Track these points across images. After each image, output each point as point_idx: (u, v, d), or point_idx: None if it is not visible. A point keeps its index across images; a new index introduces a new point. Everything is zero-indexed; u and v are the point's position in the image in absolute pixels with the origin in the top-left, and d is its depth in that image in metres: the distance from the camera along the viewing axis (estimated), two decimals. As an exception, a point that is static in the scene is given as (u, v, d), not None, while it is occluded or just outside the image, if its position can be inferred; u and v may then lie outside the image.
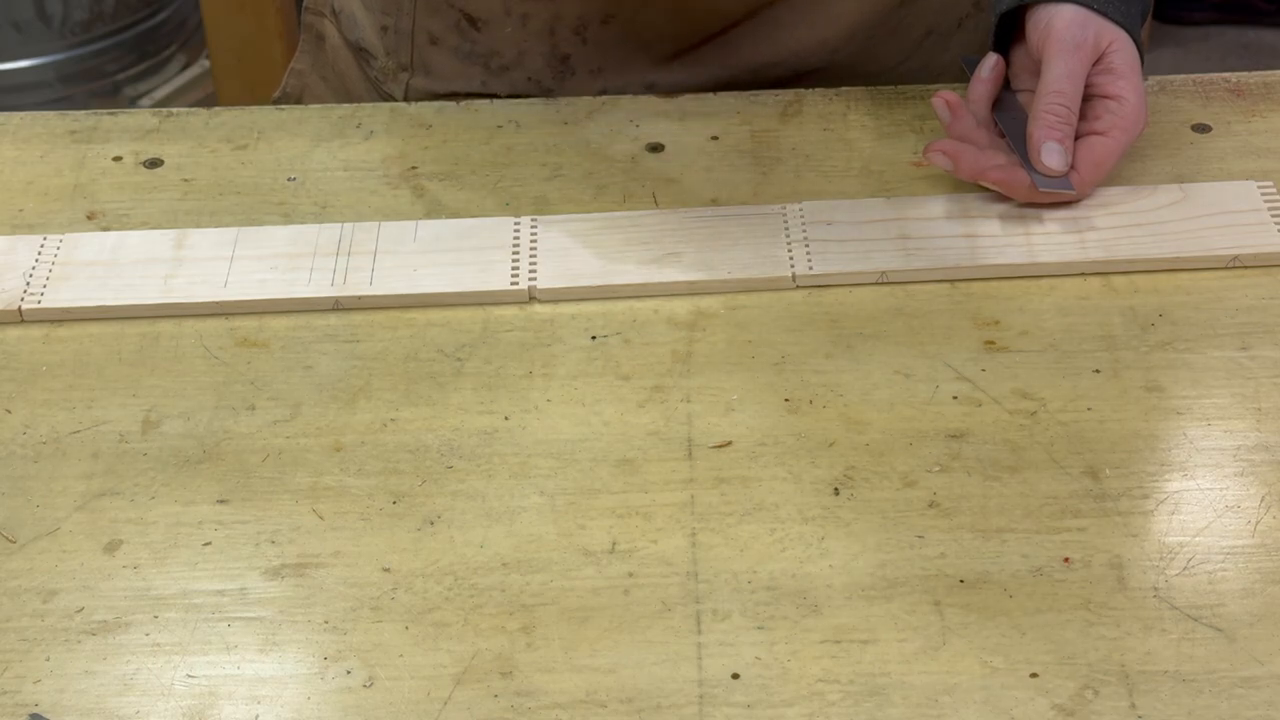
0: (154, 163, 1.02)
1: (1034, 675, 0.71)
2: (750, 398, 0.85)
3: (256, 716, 0.71)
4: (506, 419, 0.84)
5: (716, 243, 0.93)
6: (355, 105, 1.07)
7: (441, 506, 0.80)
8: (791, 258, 0.92)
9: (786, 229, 0.94)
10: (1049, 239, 0.92)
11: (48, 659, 0.74)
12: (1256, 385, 0.84)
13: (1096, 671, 0.71)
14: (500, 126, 1.03)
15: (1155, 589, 0.75)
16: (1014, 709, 0.70)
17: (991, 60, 0.98)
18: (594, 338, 0.89)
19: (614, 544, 0.78)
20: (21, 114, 1.07)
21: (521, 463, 0.82)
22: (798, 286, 0.91)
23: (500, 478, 0.81)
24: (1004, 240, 0.93)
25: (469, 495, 0.80)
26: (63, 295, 0.92)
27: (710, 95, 1.06)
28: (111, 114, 1.07)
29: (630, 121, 1.04)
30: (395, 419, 0.85)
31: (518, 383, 0.86)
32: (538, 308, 0.91)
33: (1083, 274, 0.91)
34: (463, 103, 1.06)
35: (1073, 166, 0.93)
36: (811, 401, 0.84)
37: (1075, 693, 0.70)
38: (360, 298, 0.91)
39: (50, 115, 1.06)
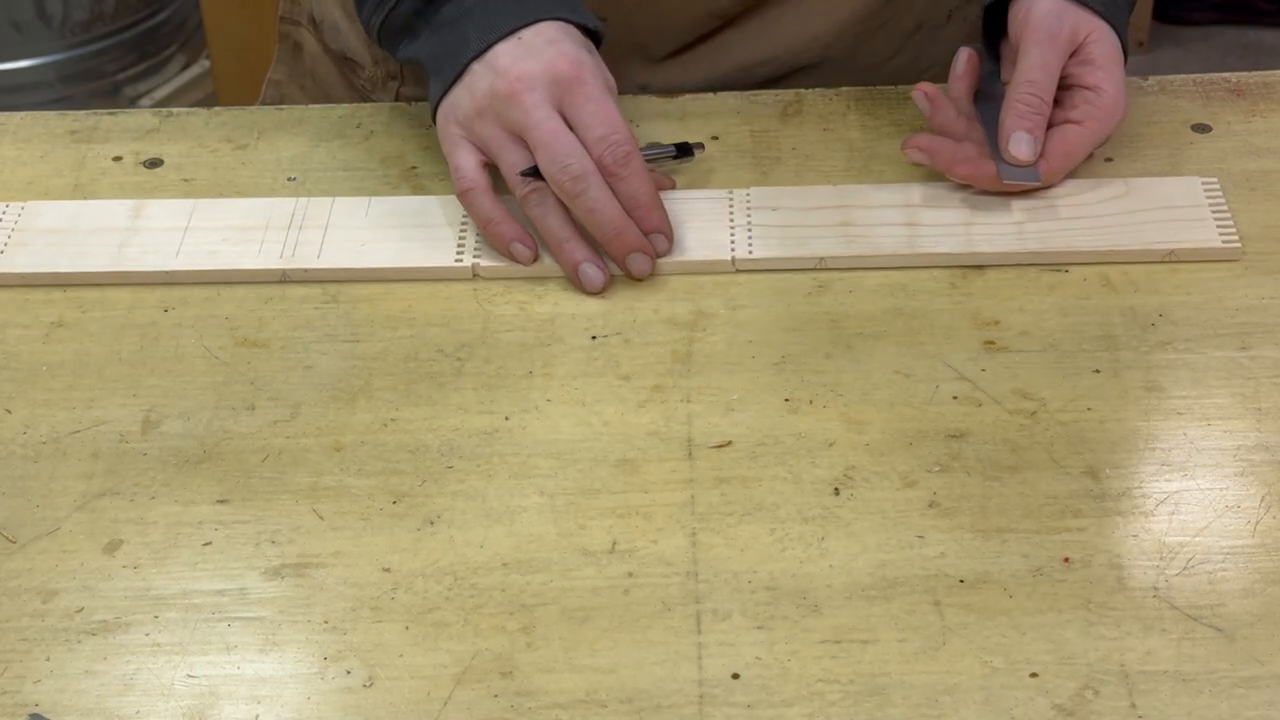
0: (154, 163, 1.02)
1: (1034, 675, 0.71)
2: (750, 398, 0.85)
3: (256, 716, 0.71)
4: (506, 419, 0.84)
5: None
6: (355, 105, 1.07)
7: (441, 506, 0.80)
8: (733, 241, 0.93)
9: (732, 213, 0.95)
10: (988, 229, 0.93)
11: (48, 659, 0.74)
12: (1256, 385, 0.84)
13: (1096, 671, 0.71)
14: (500, 126, 1.03)
15: (1155, 589, 0.75)
16: (1014, 709, 0.70)
17: (964, 55, 1.00)
18: (594, 338, 0.89)
19: (614, 544, 0.78)
20: (21, 114, 1.07)
21: (521, 463, 0.82)
22: (737, 270, 0.92)
23: (500, 478, 0.81)
24: (944, 230, 0.93)
25: (469, 495, 0.80)
26: (18, 261, 0.94)
27: (710, 95, 1.06)
28: (111, 114, 1.07)
29: (630, 121, 1.03)
30: (395, 419, 0.85)
31: (518, 383, 0.86)
32: (538, 307, 0.91)
33: (1018, 264, 0.92)
34: (463, 103, 1.05)
35: (1043, 154, 0.94)
36: (811, 401, 0.84)
37: (1075, 693, 0.70)
38: (307, 270, 0.93)
39: (50, 115, 1.07)
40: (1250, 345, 0.87)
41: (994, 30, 1.00)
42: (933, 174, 0.97)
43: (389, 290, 0.92)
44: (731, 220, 0.95)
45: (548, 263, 0.93)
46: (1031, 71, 0.94)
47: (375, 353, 0.89)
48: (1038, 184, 0.94)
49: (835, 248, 0.92)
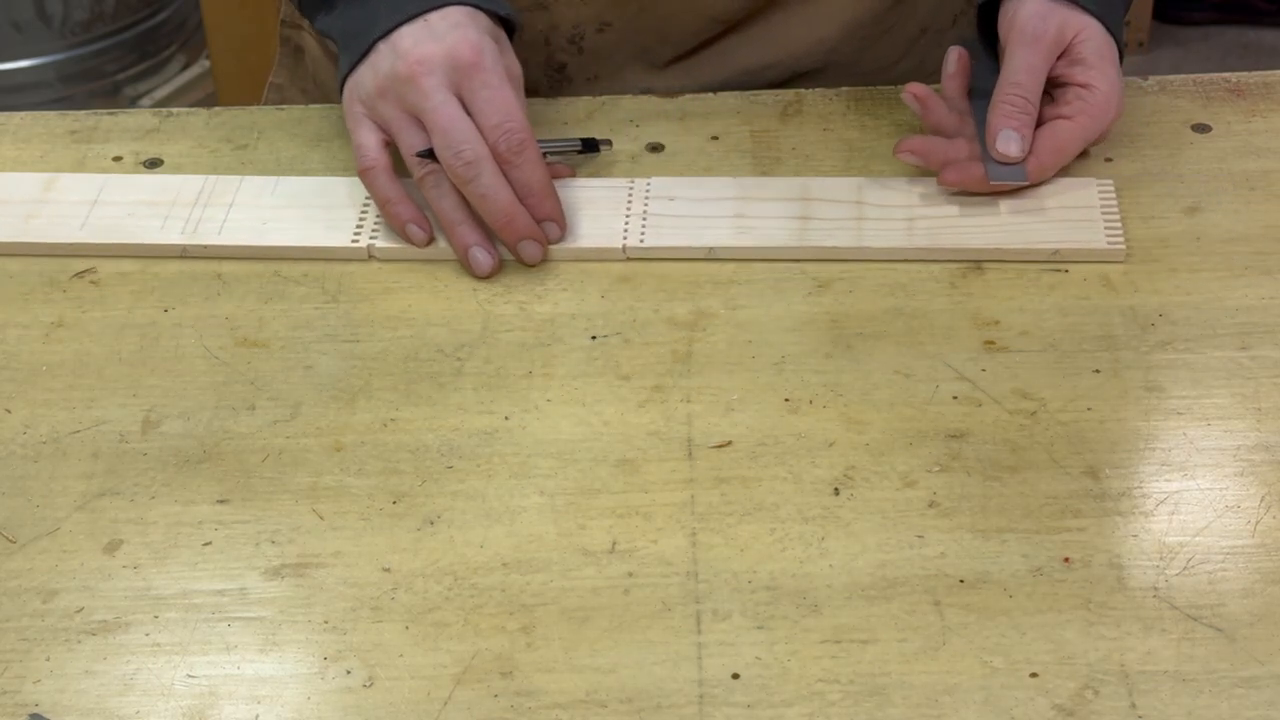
0: (154, 163, 1.02)
1: (1034, 675, 0.71)
2: (750, 398, 0.85)
3: (256, 716, 0.71)
4: (506, 419, 0.84)
5: None
6: (355, 105, 1.07)
7: (441, 506, 0.80)
8: (626, 230, 0.95)
9: (629, 202, 0.97)
10: (879, 224, 0.94)
11: (48, 659, 0.74)
12: (1256, 385, 0.84)
13: (1096, 671, 0.71)
14: (500, 126, 1.03)
15: (1155, 589, 0.75)
16: (1014, 709, 0.70)
17: (955, 54, 1.00)
18: (594, 338, 0.89)
19: (614, 544, 0.78)
20: (21, 114, 1.07)
21: (521, 463, 0.82)
22: (627, 259, 0.93)
23: (500, 478, 0.81)
24: (834, 224, 0.94)
25: (469, 495, 0.80)
26: None
27: (710, 95, 1.06)
28: (111, 114, 1.07)
29: (630, 121, 1.04)
30: (395, 419, 0.85)
31: (518, 383, 0.86)
32: (538, 307, 0.91)
33: (905, 260, 0.92)
34: (463, 103, 1.06)
35: (1032, 151, 0.94)
36: (811, 401, 0.84)
37: (1075, 693, 0.70)
38: (206, 247, 0.95)
39: (50, 115, 1.06)
40: (1250, 345, 0.87)
41: (992, 28, 1.00)
42: (853, 167, 0.98)
43: (389, 290, 0.92)
44: (628, 209, 0.96)
45: (442, 245, 0.94)
46: (1016, 74, 0.94)
47: (375, 353, 0.89)
48: (1025, 183, 0.94)
49: (726, 238, 0.94)
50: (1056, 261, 0.92)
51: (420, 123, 0.93)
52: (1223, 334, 0.87)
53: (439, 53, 0.92)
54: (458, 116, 0.92)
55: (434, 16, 0.94)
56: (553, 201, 0.93)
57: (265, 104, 1.20)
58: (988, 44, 1.01)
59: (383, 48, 0.94)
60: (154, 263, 0.95)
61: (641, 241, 0.94)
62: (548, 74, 1.09)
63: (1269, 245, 0.93)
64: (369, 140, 0.94)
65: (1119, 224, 0.93)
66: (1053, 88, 0.96)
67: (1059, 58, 0.95)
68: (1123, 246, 0.92)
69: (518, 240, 0.92)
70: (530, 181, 0.92)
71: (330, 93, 1.16)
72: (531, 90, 1.08)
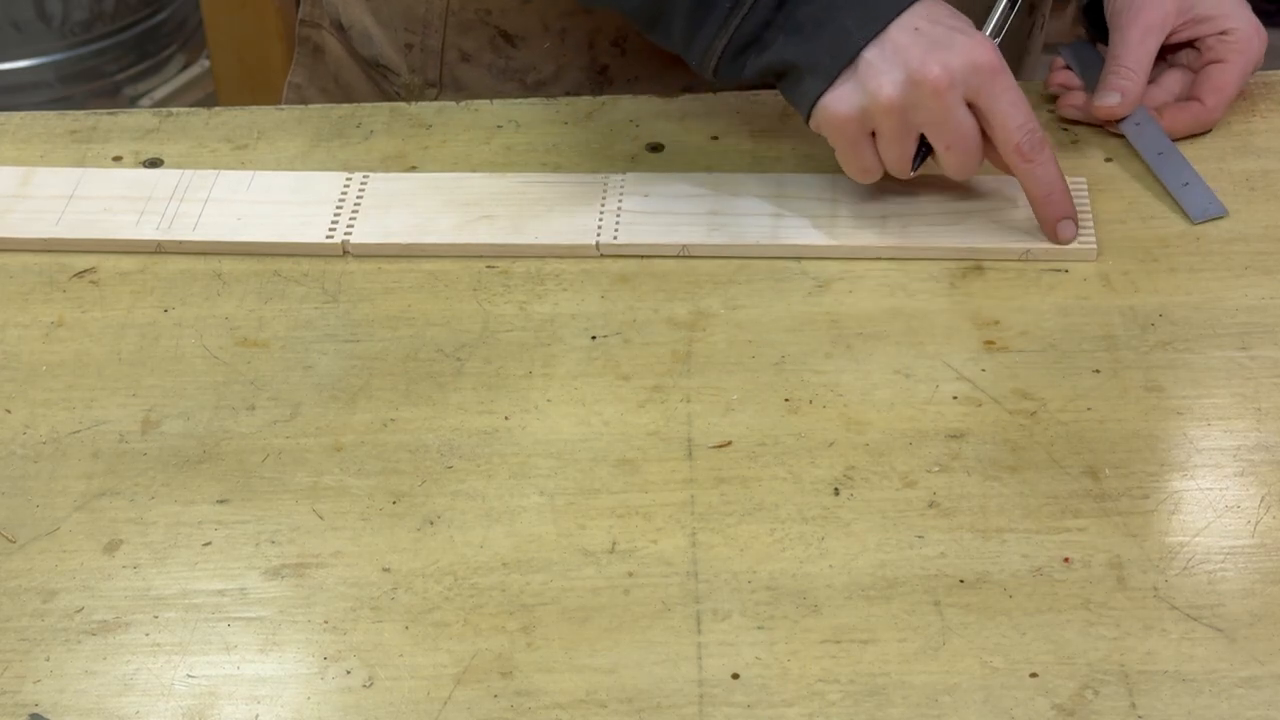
0: (154, 163, 1.02)
1: (1034, 675, 0.71)
2: (750, 398, 0.85)
3: (256, 716, 0.71)
4: (506, 419, 0.84)
5: (533, 208, 0.96)
6: (355, 105, 1.07)
7: (441, 506, 0.80)
8: (600, 226, 0.95)
9: (604, 198, 0.97)
10: (852, 222, 0.94)
11: (48, 659, 0.74)
12: (1256, 385, 0.84)
13: (1096, 671, 0.71)
14: (500, 126, 1.03)
15: (1155, 589, 0.75)
16: (1014, 709, 0.70)
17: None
18: (594, 338, 0.89)
19: (614, 544, 0.78)
20: (21, 114, 1.07)
21: (521, 463, 0.82)
22: (601, 255, 0.93)
23: (500, 478, 0.81)
24: (808, 221, 0.94)
25: (469, 495, 0.80)
26: None
27: (710, 95, 1.06)
28: (111, 114, 1.07)
29: (630, 121, 1.03)
30: (395, 419, 0.85)
31: (518, 383, 0.86)
32: (538, 307, 0.91)
33: (877, 258, 0.93)
34: (463, 103, 1.06)
35: (1198, 98, 0.98)
36: (811, 401, 0.84)
37: (1075, 693, 0.70)
38: (181, 242, 0.95)
39: (50, 115, 1.06)
40: (1250, 345, 0.87)
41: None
42: (808, 165, 0.99)
43: (389, 290, 0.92)
44: (602, 205, 0.96)
45: (419, 240, 0.94)
46: (1116, 49, 0.99)
47: (375, 353, 0.89)
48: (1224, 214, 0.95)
49: (699, 236, 0.94)
50: (1056, 261, 0.92)
51: (916, 134, 0.90)
52: (1223, 334, 0.87)
53: (959, 61, 0.88)
54: (973, 133, 0.90)
55: (920, 22, 0.89)
56: (1069, 199, 0.92)
57: (285, 103, 1.19)
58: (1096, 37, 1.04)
59: (875, 59, 0.89)
60: (154, 263, 0.95)
61: (615, 239, 0.94)
62: (591, 76, 1.08)
63: (1269, 245, 0.93)
64: (872, 160, 0.92)
65: (1090, 223, 0.93)
66: (1190, 49, 0.99)
67: (1185, 24, 0.98)
68: (1094, 246, 0.92)
69: (1057, 222, 0.92)
70: (1049, 179, 0.91)
71: (351, 92, 1.16)
72: (574, 94, 1.08)
